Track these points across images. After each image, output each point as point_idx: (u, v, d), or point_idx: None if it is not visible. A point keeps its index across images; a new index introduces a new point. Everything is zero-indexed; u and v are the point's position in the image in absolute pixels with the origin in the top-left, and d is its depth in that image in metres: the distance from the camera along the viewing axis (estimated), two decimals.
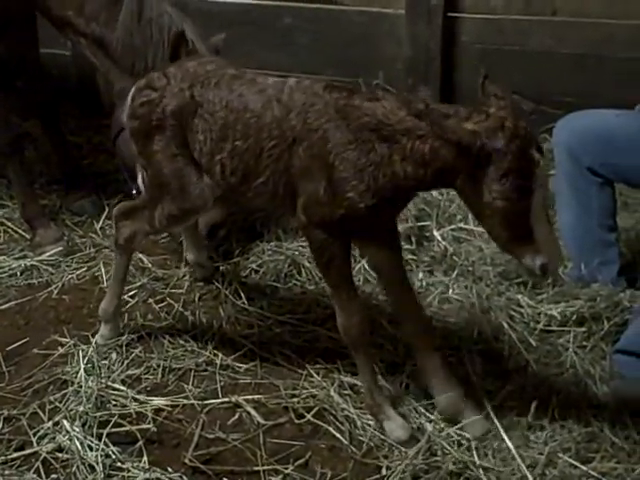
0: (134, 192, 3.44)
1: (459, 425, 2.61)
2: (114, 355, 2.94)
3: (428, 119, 2.24)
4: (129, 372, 2.87)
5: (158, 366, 2.90)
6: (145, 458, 2.52)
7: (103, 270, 3.42)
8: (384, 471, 2.49)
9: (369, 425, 2.64)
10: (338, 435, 2.62)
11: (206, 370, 2.90)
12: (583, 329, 3.00)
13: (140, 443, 2.57)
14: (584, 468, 2.49)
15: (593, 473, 2.48)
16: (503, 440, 2.57)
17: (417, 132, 2.27)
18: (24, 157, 3.91)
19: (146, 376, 2.87)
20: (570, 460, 2.52)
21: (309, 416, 2.68)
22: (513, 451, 2.53)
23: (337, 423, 2.66)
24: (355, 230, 2.50)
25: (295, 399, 2.75)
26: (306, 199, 2.46)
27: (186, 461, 2.52)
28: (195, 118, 2.60)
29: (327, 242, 2.47)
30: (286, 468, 2.51)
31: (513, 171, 2.15)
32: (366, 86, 4.38)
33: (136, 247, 3.01)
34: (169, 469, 2.48)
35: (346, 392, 2.77)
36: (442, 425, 2.63)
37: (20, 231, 3.78)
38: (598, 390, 2.81)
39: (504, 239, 2.28)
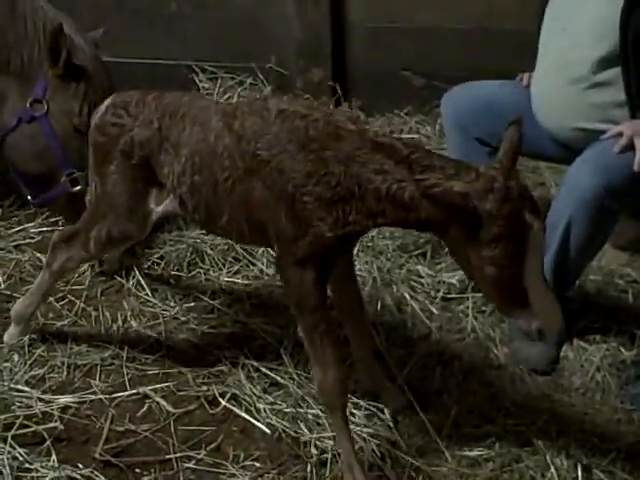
0: (29, 198, 3.36)
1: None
2: (16, 357, 2.86)
3: (410, 170, 2.06)
4: (33, 372, 2.79)
5: (62, 364, 2.84)
6: (54, 457, 2.47)
7: None
8: (300, 448, 2.53)
9: (280, 406, 2.67)
10: (249, 418, 2.64)
11: (112, 364, 2.86)
12: (481, 294, 3.10)
13: (48, 442, 2.51)
14: (488, 427, 2.59)
15: (496, 431, 2.58)
16: (414, 407, 2.64)
17: (395, 176, 2.08)
18: None
19: (51, 375, 2.80)
20: (474, 421, 2.62)
21: (224, 402, 2.68)
22: (422, 416, 2.61)
23: (249, 407, 2.67)
24: (327, 260, 2.30)
25: (204, 387, 2.76)
26: (274, 235, 2.30)
27: (96, 456, 2.49)
28: (161, 151, 2.51)
29: (300, 278, 2.25)
30: (198, 453, 2.51)
31: (504, 236, 1.96)
32: (259, 70, 4.41)
33: (67, 273, 2.96)
34: (79, 465, 2.45)
35: (255, 375, 2.79)
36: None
37: None
38: (499, 352, 2.92)
39: (497, 302, 2.13)
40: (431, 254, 3.30)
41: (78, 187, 3.11)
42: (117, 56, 4.03)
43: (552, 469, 2.45)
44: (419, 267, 3.24)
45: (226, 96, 4.38)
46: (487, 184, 1.97)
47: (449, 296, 3.12)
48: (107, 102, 2.67)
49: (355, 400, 2.66)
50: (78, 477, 2.42)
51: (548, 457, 2.48)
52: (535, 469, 2.46)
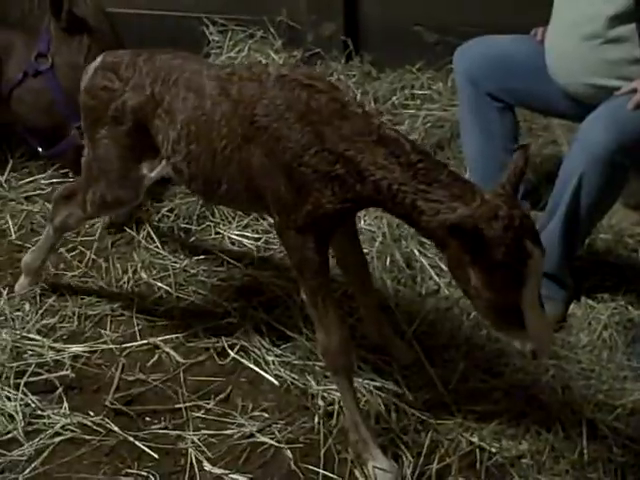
0: (40, 149, 3.36)
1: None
2: (27, 306, 2.90)
3: (415, 179, 2.03)
4: (44, 322, 2.84)
5: (73, 314, 2.88)
6: (65, 404, 2.52)
7: (11, 223, 3.34)
8: (308, 399, 2.56)
9: (288, 358, 2.69)
10: (258, 370, 2.67)
11: (123, 315, 2.90)
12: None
13: (59, 390, 2.57)
14: (494, 382, 2.61)
15: (503, 386, 2.60)
16: (421, 361, 2.66)
17: (397, 178, 2.05)
18: None
19: (62, 324, 2.85)
20: (482, 375, 2.64)
21: (233, 353, 2.71)
22: (429, 369, 2.63)
23: (257, 359, 2.70)
24: (327, 228, 2.28)
25: (214, 338, 2.78)
26: (272, 202, 2.27)
27: (107, 404, 2.53)
28: (155, 118, 2.42)
29: (300, 244, 2.24)
30: (207, 403, 2.55)
31: (504, 263, 1.95)
32: (270, 23, 4.36)
33: (69, 229, 2.96)
34: (90, 413, 2.50)
35: (263, 328, 2.81)
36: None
37: None
38: None
39: (492, 323, 2.11)
40: None
41: None
42: (126, 7, 4.00)
43: (557, 424, 2.47)
44: None
45: (236, 49, 4.35)
46: (491, 211, 1.96)
47: None
48: (96, 63, 2.59)
49: (363, 354, 2.68)
50: (89, 424, 2.47)
51: (554, 412, 2.50)
52: (540, 424, 2.48)
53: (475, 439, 2.44)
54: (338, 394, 2.49)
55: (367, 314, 2.68)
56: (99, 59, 2.60)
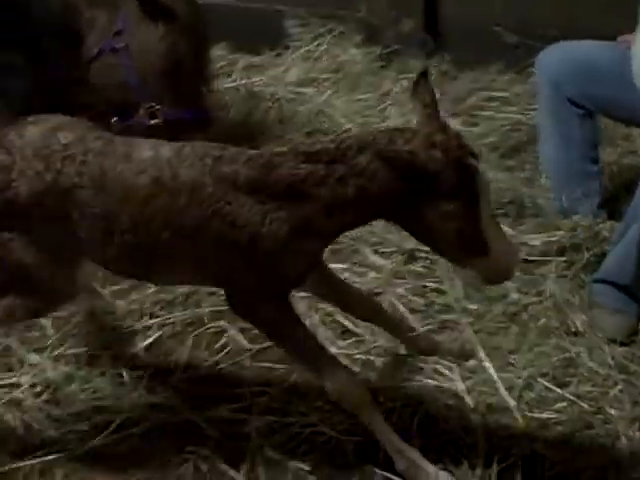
0: (114, 119, 3.42)
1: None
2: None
3: (345, 163, 2.00)
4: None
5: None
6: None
7: None
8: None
9: (351, 352, 2.70)
10: None
11: (192, 297, 2.92)
12: (563, 259, 3.05)
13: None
14: (560, 391, 2.57)
15: (569, 396, 2.56)
16: (482, 362, 2.64)
17: (334, 176, 2.01)
18: (6, 89, 3.86)
19: (131, 306, 2.89)
20: (547, 384, 2.60)
21: None
22: (493, 374, 2.60)
23: None
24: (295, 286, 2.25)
25: None
26: (230, 284, 2.20)
27: (174, 383, 2.58)
28: (64, 206, 2.11)
29: (267, 315, 2.19)
30: (271, 390, 2.57)
31: (457, 187, 1.94)
32: (350, 19, 4.36)
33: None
34: (157, 390, 2.55)
35: (328, 320, 2.82)
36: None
37: None
38: (577, 318, 2.88)
39: (458, 256, 2.06)
40: (515, 215, 3.26)
41: (156, 120, 3.15)
42: None
43: (623, 439, 2.43)
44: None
45: (315, 43, 4.37)
46: (426, 140, 1.95)
47: (530, 258, 3.08)
48: None
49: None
50: (156, 401, 2.51)
51: (620, 427, 2.46)
52: (606, 437, 2.44)
53: (537, 447, 2.41)
54: (399, 390, 2.49)
55: (400, 335, 2.59)
56: None
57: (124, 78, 3.23)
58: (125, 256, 2.16)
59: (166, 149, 2.13)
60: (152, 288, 2.93)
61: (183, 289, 2.94)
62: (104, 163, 2.10)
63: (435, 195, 1.95)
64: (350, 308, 2.51)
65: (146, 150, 2.13)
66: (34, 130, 2.17)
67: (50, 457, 2.39)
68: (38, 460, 2.38)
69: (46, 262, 2.19)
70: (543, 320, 2.82)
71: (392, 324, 2.57)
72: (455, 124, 3.65)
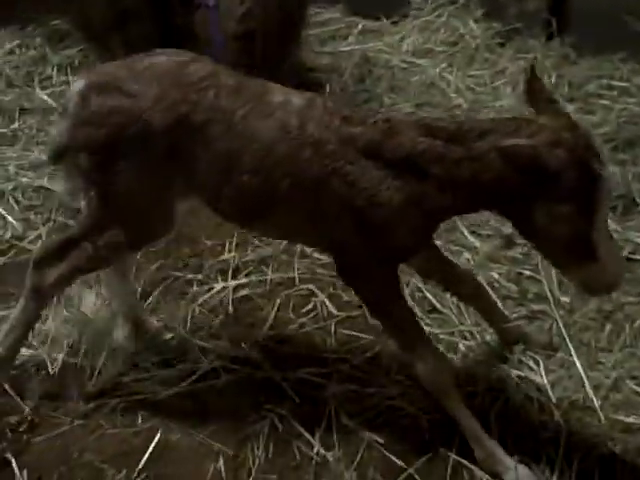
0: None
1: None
2: None
3: (464, 144, 1.99)
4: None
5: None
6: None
7: None
8: None
9: (436, 330, 2.68)
10: None
11: (285, 258, 2.96)
12: None
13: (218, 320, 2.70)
14: None
15: None
16: (571, 356, 2.58)
17: (450, 156, 2.00)
18: (128, 33, 3.95)
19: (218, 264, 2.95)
20: (636, 387, 2.53)
21: None
22: (580, 370, 2.54)
23: None
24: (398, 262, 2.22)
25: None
26: (339, 245, 2.17)
27: (260, 339, 2.63)
28: (189, 140, 2.11)
29: (373, 286, 2.17)
30: (354, 358, 2.58)
31: (574, 190, 1.88)
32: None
33: (62, 291, 2.50)
34: (242, 345, 2.60)
35: (418, 296, 2.80)
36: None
37: None
38: None
39: (565, 261, 2.04)
40: (622, 209, 3.15)
41: None
42: None
43: None
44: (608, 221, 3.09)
45: (435, 13, 4.29)
46: (553, 136, 1.88)
47: (633, 256, 2.98)
48: (80, 87, 2.18)
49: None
50: (240, 356, 2.56)
51: None
52: None
53: (618, 450, 2.35)
54: (482, 374, 2.45)
55: (491, 319, 2.56)
56: (82, 81, 2.19)
57: (209, 34, 3.28)
58: (239, 198, 2.16)
59: (298, 98, 2.15)
60: (249, 245, 2.97)
61: (276, 248, 2.97)
62: (236, 101, 2.11)
63: (551, 195, 1.90)
64: (453, 287, 2.49)
65: (278, 95, 2.15)
66: (167, 61, 2.18)
67: (132, 398, 2.47)
68: (119, 400, 2.46)
69: (153, 197, 2.20)
70: (639, 322, 2.73)
71: (489, 310, 2.54)
72: (570, 110, 3.54)
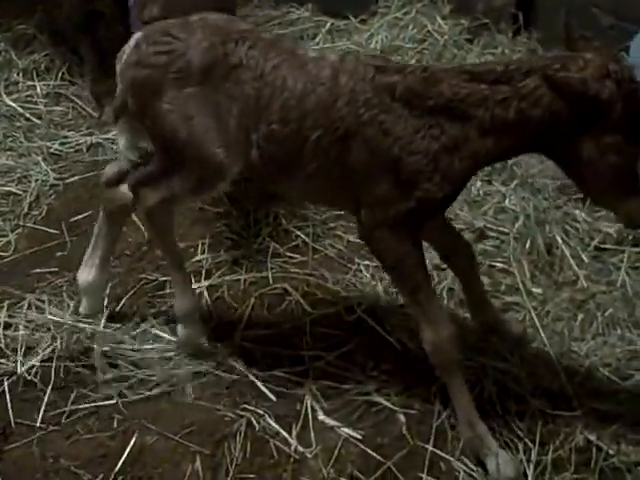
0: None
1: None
2: None
3: (510, 84, 2.01)
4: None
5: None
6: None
7: None
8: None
9: (412, 324, 2.69)
10: (382, 331, 2.67)
11: (258, 259, 2.95)
12: (638, 250, 2.98)
13: None
14: (622, 383, 2.53)
15: (630, 388, 2.51)
16: (545, 346, 2.60)
17: (496, 98, 2.02)
18: (97, 36, 3.94)
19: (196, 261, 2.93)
20: (609, 374, 2.55)
21: (359, 311, 2.73)
22: (554, 361, 2.57)
23: (382, 320, 2.71)
24: (425, 221, 2.23)
25: (344, 293, 2.82)
26: (369, 198, 2.17)
27: (235, 339, 2.63)
28: (226, 81, 2.19)
29: (396, 243, 2.16)
30: (329, 355, 2.58)
31: (622, 120, 1.93)
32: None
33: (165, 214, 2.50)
34: (217, 345, 2.60)
35: (393, 290, 2.81)
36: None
37: (88, 109, 3.81)
38: None
39: (609, 195, 2.07)
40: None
41: None
42: None
43: None
44: (577, 211, 3.12)
45: (403, 10, 4.31)
46: (601, 69, 1.93)
47: (603, 246, 3.01)
48: (137, 37, 2.31)
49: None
50: (216, 356, 2.57)
51: None
52: None
53: (593, 437, 2.37)
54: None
55: (471, 295, 2.59)
56: (139, 33, 2.33)
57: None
58: (267, 150, 2.19)
59: (332, 54, 2.24)
60: (222, 246, 2.96)
61: (249, 249, 2.97)
62: (269, 52, 2.19)
63: (600, 126, 1.95)
64: (449, 259, 2.52)
65: (312, 52, 2.29)
66: (218, 16, 2.31)
67: (108, 402, 2.46)
68: (94, 404, 2.46)
69: (200, 135, 2.24)
70: (610, 310, 2.76)
71: (475, 289, 2.55)
72: None
